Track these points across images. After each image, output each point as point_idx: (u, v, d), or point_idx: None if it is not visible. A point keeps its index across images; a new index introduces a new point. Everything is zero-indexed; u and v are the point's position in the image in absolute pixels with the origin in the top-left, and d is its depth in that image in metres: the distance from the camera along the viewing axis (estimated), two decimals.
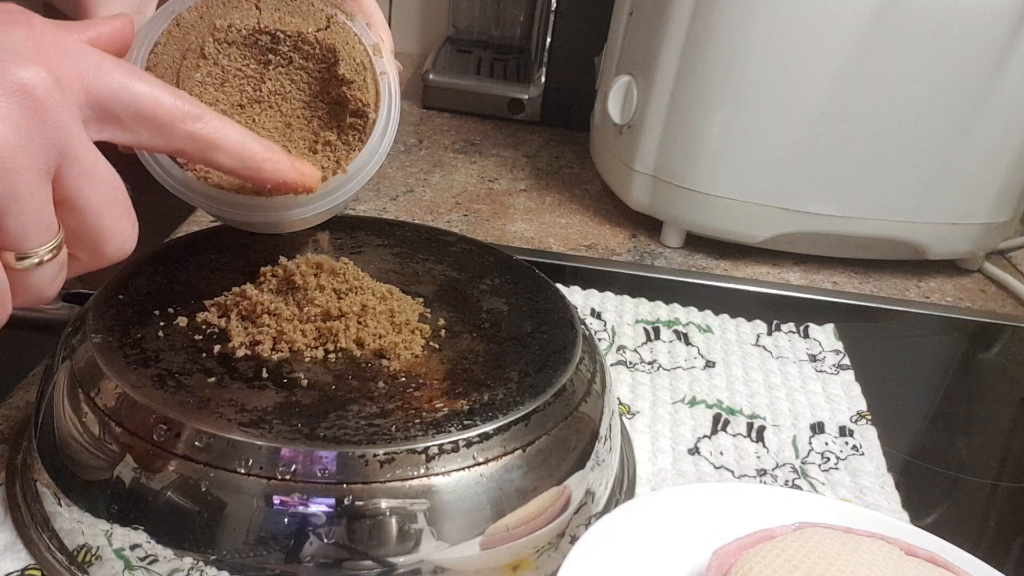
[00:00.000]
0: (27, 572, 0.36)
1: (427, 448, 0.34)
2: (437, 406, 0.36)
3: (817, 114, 0.69)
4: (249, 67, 0.38)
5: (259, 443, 0.33)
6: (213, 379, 0.36)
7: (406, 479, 0.33)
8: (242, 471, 0.32)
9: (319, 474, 0.32)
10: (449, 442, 0.34)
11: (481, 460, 0.35)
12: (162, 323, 0.39)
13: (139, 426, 0.34)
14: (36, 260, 0.29)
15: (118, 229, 0.31)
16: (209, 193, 0.38)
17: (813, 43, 0.67)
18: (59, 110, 0.28)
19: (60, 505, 0.36)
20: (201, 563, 0.33)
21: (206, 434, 0.33)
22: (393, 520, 0.33)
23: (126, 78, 0.31)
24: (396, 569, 0.33)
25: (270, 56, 0.38)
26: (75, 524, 0.35)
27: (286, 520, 0.32)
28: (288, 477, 0.32)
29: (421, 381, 0.37)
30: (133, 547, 0.33)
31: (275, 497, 0.32)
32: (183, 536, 0.33)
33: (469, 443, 0.34)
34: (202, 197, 0.38)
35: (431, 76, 1.06)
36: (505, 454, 0.35)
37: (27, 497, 0.38)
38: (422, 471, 0.33)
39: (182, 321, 0.39)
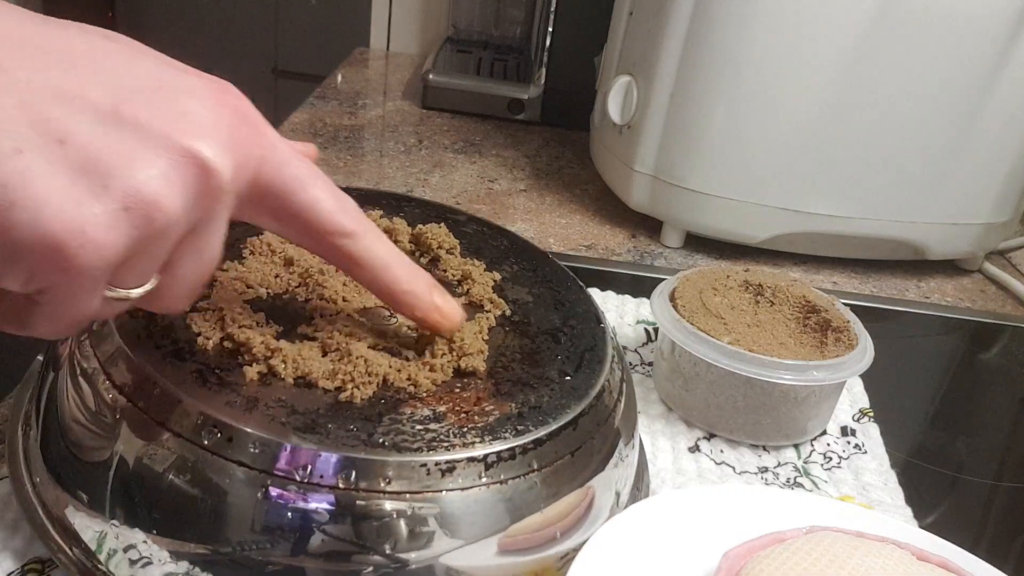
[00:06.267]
0: (26, 568, 0.36)
1: (486, 456, 0.33)
2: (487, 408, 0.35)
3: (817, 114, 0.69)
4: (745, 300, 0.53)
5: (319, 450, 0.31)
6: (256, 375, 0.34)
7: (466, 488, 0.33)
8: (303, 479, 0.31)
9: (382, 483, 0.32)
10: (506, 449, 0.34)
11: (536, 467, 0.34)
12: (188, 310, 0.36)
13: (185, 428, 0.32)
14: (123, 297, 0.30)
15: (183, 300, 0.32)
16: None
17: (813, 43, 0.67)
18: (219, 199, 0.29)
19: (74, 506, 0.35)
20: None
21: (261, 440, 0.32)
22: (444, 526, 0.33)
23: (299, 181, 0.32)
24: None
25: (758, 297, 0.53)
26: (82, 519, 0.35)
27: (353, 529, 0.32)
28: (347, 486, 0.32)
29: (465, 379, 0.37)
30: (181, 555, 0.33)
31: (336, 506, 0.32)
32: (244, 543, 0.32)
33: (525, 449, 0.34)
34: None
35: (431, 76, 1.06)
36: (557, 459, 0.35)
37: (36, 491, 0.38)
38: (483, 479, 0.33)
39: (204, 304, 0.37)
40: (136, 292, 0.30)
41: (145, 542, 0.33)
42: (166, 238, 0.28)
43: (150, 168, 0.27)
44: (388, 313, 0.39)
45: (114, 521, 0.34)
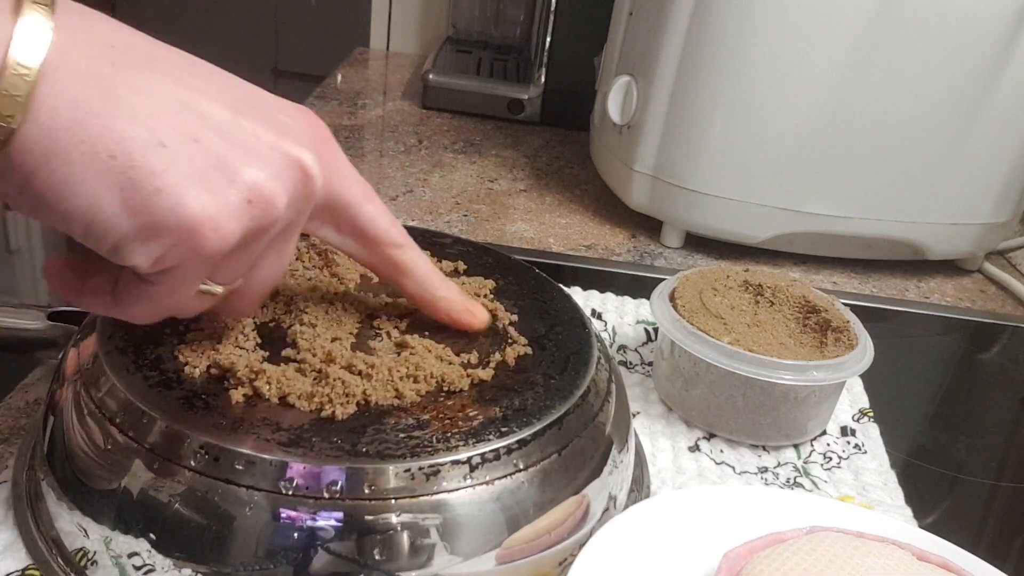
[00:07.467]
0: (27, 572, 0.36)
1: (470, 458, 0.33)
2: (471, 414, 0.35)
3: (817, 114, 0.69)
4: (745, 300, 0.53)
5: (303, 463, 0.32)
6: (241, 397, 0.35)
7: (452, 490, 0.33)
8: (288, 492, 0.32)
9: (367, 491, 0.32)
10: (491, 451, 0.34)
11: (521, 467, 0.34)
12: (175, 341, 0.38)
13: (174, 453, 0.33)
14: (212, 291, 0.33)
15: (254, 303, 0.36)
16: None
17: (813, 43, 0.67)
18: (310, 202, 0.33)
19: (85, 534, 0.35)
20: None
21: (246, 456, 0.32)
22: (434, 531, 0.33)
23: (362, 197, 0.36)
24: None
25: (758, 297, 0.53)
26: (77, 529, 0.35)
27: (339, 538, 0.32)
28: (333, 495, 0.32)
29: (449, 389, 0.37)
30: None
31: (324, 517, 0.32)
32: (237, 561, 0.32)
33: (509, 450, 0.34)
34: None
35: (431, 76, 1.06)
36: (544, 458, 0.35)
37: (32, 499, 0.38)
38: (468, 481, 0.33)
39: (193, 336, 0.38)
40: (221, 289, 0.33)
41: (148, 552, 0.33)
42: (269, 233, 0.32)
43: (267, 168, 0.31)
44: (374, 333, 0.40)
45: (114, 538, 0.34)
